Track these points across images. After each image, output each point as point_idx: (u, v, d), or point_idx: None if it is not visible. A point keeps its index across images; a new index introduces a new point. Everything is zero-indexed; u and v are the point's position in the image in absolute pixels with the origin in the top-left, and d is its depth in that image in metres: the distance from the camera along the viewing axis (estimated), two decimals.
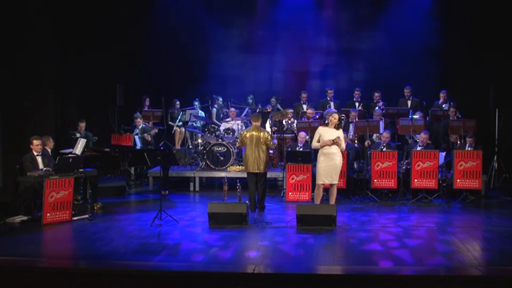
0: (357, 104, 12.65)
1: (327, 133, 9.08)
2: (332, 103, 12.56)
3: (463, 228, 8.68)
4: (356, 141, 11.47)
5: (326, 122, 9.28)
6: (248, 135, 9.62)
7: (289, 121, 12.11)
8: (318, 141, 9.12)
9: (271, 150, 10.11)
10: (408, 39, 13.10)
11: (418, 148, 10.59)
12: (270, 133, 10.55)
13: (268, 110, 12.53)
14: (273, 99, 13.20)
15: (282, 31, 13.93)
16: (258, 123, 9.74)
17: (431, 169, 10.28)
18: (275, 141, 11.47)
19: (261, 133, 9.60)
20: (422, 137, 10.68)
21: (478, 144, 10.67)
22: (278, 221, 8.91)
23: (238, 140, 10.11)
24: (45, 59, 11.61)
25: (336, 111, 10.01)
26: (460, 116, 11.60)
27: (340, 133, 9.13)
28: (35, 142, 9.21)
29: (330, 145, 8.97)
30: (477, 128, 11.08)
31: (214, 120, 13.04)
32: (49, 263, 7.02)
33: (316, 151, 9.40)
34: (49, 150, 9.74)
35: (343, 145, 9.18)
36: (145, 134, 12.42)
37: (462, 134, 11.06)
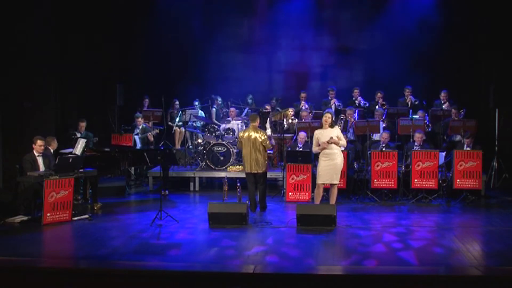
0: (356, 103, 12.66)
1: (323, 134, 9.09)
2: (332, 102, 12.55)
3: (463, 228, 8.70)
4: (354, 134, 11.47)
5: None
6: (245, 135, 9.60)
7: (290, 121, 12.10)
8: (318, 145, 9.12)
9: (270, 150, 10.08)
10: (408, 38, 13.10)
11: (416, 148, 10.58)
12: (266, 133, 10.52)
13: (267, 108, 12.49)
14: (273, 100, 13.21)
15: (282, 30, 13.95)
16: (256, 123, 9.69)
17: (431, 169, 10.28)
18: (272, 141, 11.44)
19: (258, 134, 9.55)
20: (416, 136, 10.68)
21: (477, 144, 10.66)
22: (278, 221, 8.91)
23: (238, 140, 10.09)
24: (45, 59, 11.60)
25: (328, 111, 10.02)
26: (463, 115, 11.58)
27: (336, 131, 9.12)
28: (39, 142, 9.18)
29: (327, 147, 8.98)
30: (476, 128, 11.08)
31: (214, 120, 13.04)
32: (49, 263, 7.03)
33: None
34: (52, 151, 9.72)
35: (343, 142, 9.17)
36: (148, 134, 12.43)
37: (462, 134, 11.06)
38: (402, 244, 7.77)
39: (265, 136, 9.63)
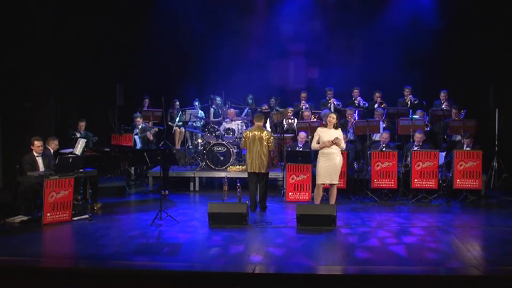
0: (356, 103, 12.65)
1: (326, 133, 9.07)
2: (331, 103, 12.55)
3: (463, 228, 8.70)
4: (354, 134, 11.45)
5: (324, 123, 9.28)
6: (250, 135, 9.61)
7: (289, 121, 12.11)
8: (318, 142, 9.12)
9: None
10: (408, 38, 13.10)
11: (415, 148, 10.59)
12: (271, 133, 10.54)
13: (266, 107, 12.49)
14: (272, 100, 13.21)
15: (281, 30, 13.96)
16: (261, 123, 9.72)
17: (431, 169, 10.28)
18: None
19: (263, 133, 9.58)
20: (416, 136, 10.69)
21: (477, 144, 10.67)
22: (278, 221, 8.91)
23: (242, 139, 10.09)
24: (45, 59, 11.61)
25: (332, 111, 10.02)
26: (463, 115, 11.60)
27: (338, 132, 9.13)
28: (36, 143, 9.17)
29: (330, 146, 8.97)
30: (476, 128, 11.08)
31: (212, 119, 13.03)
32: (49, 263, 7.03)
33: (316, 151, 9.40)
34: (52, 151, 9.71)
35: (343, 144, 9.19)
36: (147, 133, 12.44)
37: (462, 134, 11.07)
38: (402, 244, 7.77)
39: (271, 136, 9.65)
